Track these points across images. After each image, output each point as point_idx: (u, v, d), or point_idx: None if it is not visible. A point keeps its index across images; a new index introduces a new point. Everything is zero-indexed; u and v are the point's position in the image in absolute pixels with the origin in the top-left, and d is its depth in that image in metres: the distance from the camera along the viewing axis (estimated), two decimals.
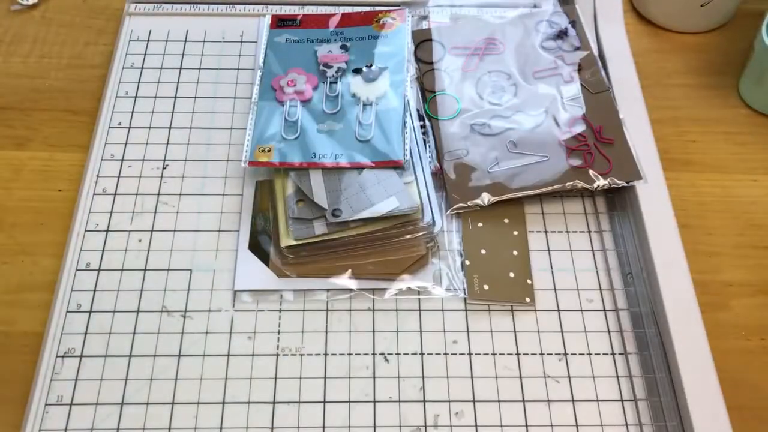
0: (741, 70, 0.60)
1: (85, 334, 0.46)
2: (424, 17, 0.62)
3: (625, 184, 0.51)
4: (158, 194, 0.53)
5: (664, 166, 0.53)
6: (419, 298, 0.48)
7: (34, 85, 0.60)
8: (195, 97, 0.58)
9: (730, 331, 0.48)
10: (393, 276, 0.49)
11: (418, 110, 0.55)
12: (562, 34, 0.59)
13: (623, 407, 0.45)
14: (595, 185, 0.51)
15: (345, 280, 0.48)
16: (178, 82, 0.59)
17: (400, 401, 0.45)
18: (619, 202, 0.53)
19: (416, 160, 0.52)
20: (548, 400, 0.45)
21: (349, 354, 0.46)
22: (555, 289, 0.49)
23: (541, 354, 0.46)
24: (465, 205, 0.51)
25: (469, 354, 0.46)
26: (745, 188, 0.55)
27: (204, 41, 0.61)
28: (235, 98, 0.58)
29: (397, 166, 0.50)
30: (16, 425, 0.44)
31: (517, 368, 0.46)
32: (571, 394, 0.45)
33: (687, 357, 0.44)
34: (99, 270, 0.49)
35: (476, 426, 0.44)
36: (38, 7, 0.65)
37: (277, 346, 0.46)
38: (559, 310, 0.48)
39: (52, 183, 0.54)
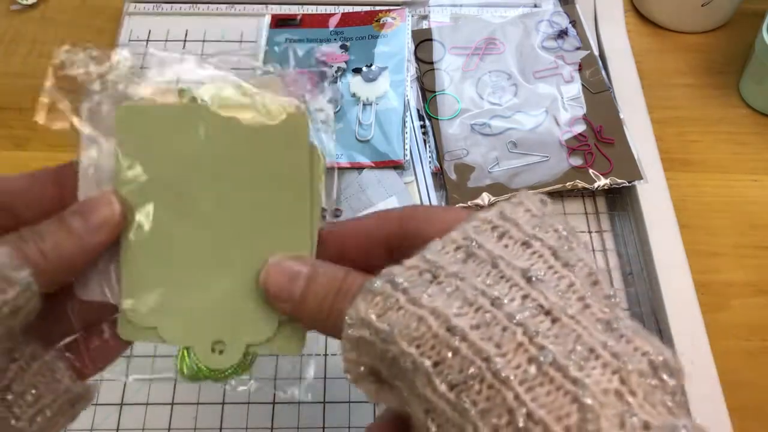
0: (742, 70, 0.60)
1: None
2: (425, 17, 0.62)
3: (626, 184, 0.51)
4: None
5: (665, 166, 0.53)
6: None
7: (33, 84, 0.60)
8: None
9: (731, 331, 0.48)
10: None
11: (418, 110, 0.55)
12: (562, 34, 0.59)
13: None
14: (595, 185, 0.51)
15: None
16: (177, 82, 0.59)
17: None
18: (620, 202, 0.53)
19: (416, 160, 0.52)
20: None
21: None
22: None
23: None
24: (465, 205, 0.51)
25: None
26: (746, 188, 0.55)
27: (203, 41, 0.61)
28: None
29: (397, 166, 0.50)
30: None
31: None
32: None
33: (688, 357, 0.44)
34: None
35: None
36: (38, 6, 0.65)
37: None
38: None
39: None
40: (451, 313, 0.23)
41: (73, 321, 0.28)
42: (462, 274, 0.24)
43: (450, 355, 0.22)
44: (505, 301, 0.23)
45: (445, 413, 0.22)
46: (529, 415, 0.20)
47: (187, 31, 0.62)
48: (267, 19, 0.60)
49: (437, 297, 0.23)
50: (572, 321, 0.23)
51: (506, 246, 0.25)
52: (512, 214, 0.26)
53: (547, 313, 0.23)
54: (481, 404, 0.21)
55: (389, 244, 0.28)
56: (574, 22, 0.60)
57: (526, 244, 0.25)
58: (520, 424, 0.21)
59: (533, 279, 0.24)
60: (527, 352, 0.22)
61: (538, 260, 0.25)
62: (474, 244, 0.25)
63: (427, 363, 0.22)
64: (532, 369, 0.21)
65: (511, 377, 0.21)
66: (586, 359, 0.22)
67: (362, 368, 0.25)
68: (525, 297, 0.23)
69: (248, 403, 0.44)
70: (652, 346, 0.23)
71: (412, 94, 0.55)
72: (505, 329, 0.22)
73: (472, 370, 0.22)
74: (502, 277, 0.24)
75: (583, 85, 0.56)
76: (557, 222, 0.26)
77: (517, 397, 0.21)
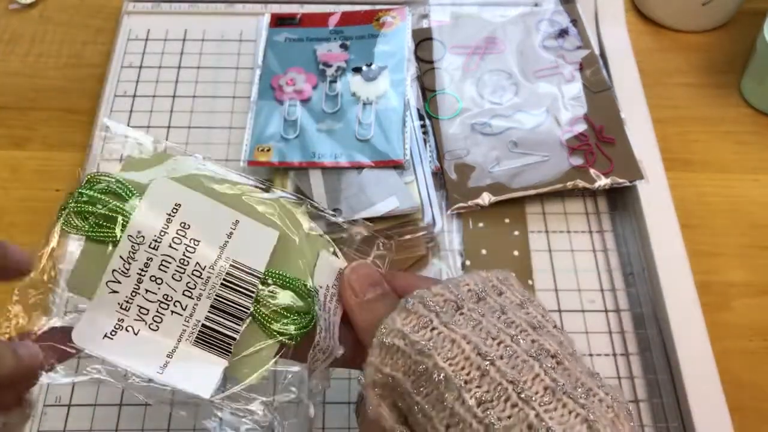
0: (743, 70, 0.60)
1: None
2: (425, 16, 0.62)
3: (627, 184, 0.51)
4: None
5: (666, 165, 0.53)
6: None
7: (32, 84, 0.60)
8: (194, 96, 0.58)
9: (732, 331, 0.48)
10: None
11: (418, 109, 0.55)
12: (563, 33, 0.59)
13: None
14: (596, 185, 0.51)
15: None
16: (176, 81, 0.58)
17: None
18: (621, 201, 0.53)
19: (416, 160, 0.51)
20: None
21: None
22: (556, 290, 0.49)
23: None
24: (465, 204, 0.51)
25: None
26: (748, 188, 0.55)
27: (203, 40, 0.61)
28: (234, 97, 0.58)
29: (397, 166, 0.50)
30: None
31: None
32: None
33: (689, 358, 0.44)
34: None
35: None
36: (36, 5, 0.65)
37: None
38: (560, 311, 0.48)
39: (50, 183, 0.54)
40: (480, 341, 0.27)
41: None
42: (481, 311, 0.29)
43: (479, 375, 0.26)
44: (521, 341, 0.28)
45: (471, 426, 0.26)
46: (548, 431, 0.25)
47: (186, 30, 0.61)
48: (266, 18, 0.60)
49: (465, 326, 0.28)
50: (571, 366, 0.27)
51: (505, 302, 0.30)
52: (504, 282, 0.31)
53: (553, 356, 0.28)
54: (504, 420, 0.25)
55: None
56: (575, 21, 0.60)
57: (521, 305, 0.30)
58: None
59: (537, 327, 0.29)
60: (543, 382, 0.26)
61: (534, 317, 0.29)
62: (483, 291, 0.30)
63: (459, 379, 0.26)
64: (548, 395, 0.26)
65: (533, 398, 0.26)
66: (586, 394, 0.26)
67: (380, 375, 0.28)
68: (533, 341, 0.28)
69: None
70: (623, 398, 0.28)
71: (412, 93, 0.55)
72: (525, 362, 0.27)
73: (499, 390, 0.26)
74: (512, 322, 0.29)
75: (583, 84, 0.56)
76: (536, 300, 0.31)
77: (537, 415, 0.25)
